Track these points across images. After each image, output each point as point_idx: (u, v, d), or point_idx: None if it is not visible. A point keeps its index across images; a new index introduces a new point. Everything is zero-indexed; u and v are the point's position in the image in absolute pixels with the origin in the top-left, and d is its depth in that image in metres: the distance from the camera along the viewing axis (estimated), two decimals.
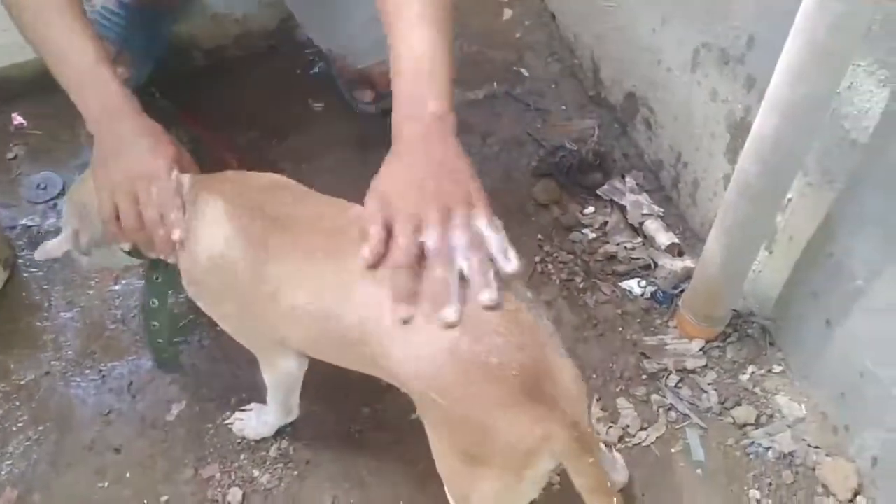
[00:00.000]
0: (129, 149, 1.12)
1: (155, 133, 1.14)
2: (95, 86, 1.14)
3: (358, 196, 1.00)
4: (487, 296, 0.91)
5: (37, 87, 1.78)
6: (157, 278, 1.21)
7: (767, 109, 1.12)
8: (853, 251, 1.23)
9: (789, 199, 1.31)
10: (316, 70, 1.91)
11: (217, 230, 1.08)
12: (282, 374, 1.21)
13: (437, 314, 0.90)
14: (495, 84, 1.92)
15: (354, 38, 1.67)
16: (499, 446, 0.92)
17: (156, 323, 1.25)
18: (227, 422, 1.37)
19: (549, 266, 1.60)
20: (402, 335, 0.93)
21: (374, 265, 0.94)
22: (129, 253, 1.18)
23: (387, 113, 1.82)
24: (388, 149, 1.54)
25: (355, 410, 1.39)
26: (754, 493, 1.32)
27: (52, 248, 1.18)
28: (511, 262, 0.93)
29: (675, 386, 1.44)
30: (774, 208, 1.28)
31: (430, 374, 0.92)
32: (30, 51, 1.71)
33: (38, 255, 1.19)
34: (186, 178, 1.11)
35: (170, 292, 1.24)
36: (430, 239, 0.92)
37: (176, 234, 1.09)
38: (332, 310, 1.00)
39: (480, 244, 0.93)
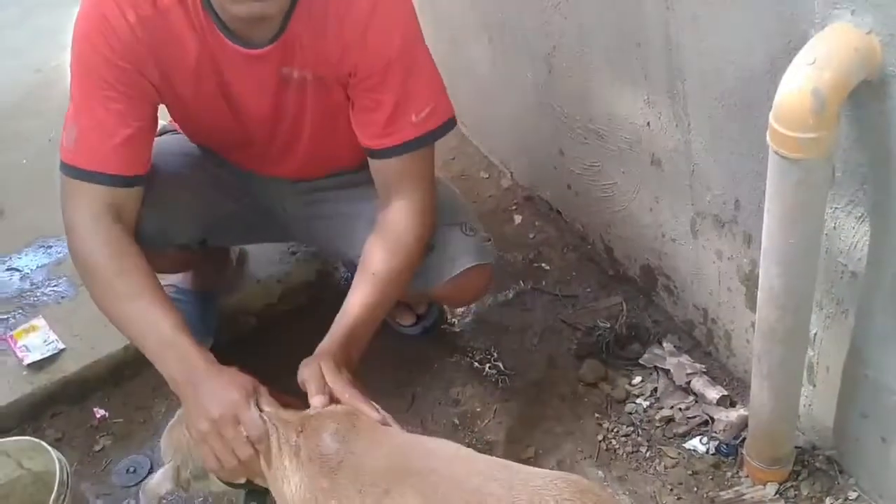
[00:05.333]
0: (206, 393, 1.24)
1: (233, 375, 1.27)
2: (174, 352, 1.29)
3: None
4: None
5: (110, 381, 1.95)
6: None
7: (767, 262, 1.25)
8: (885, 369, 1.31)
9: (815, 334, 1.40)
10: None
11: (294, 482, 1.17)
12: None
13: None
14: (521, 282, 2.07)
15: None
16: None
17: None
18: None
19: (613, 441, 1.68)
20: None
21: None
22: (229, 483, 1.28)
23: (427, 331, 1.97)
24: (433, 366, 1.73)
25: None
26: None
27: (156, 486, 1.27)
28: None
29: None
30: (803, 346, 1.37)
31: None
32: (96, 351, 1.92)
33: (144, 498, 1.29)
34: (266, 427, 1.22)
35: None
36: None
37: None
38: None
39: None
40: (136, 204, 1.45)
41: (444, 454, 1.16)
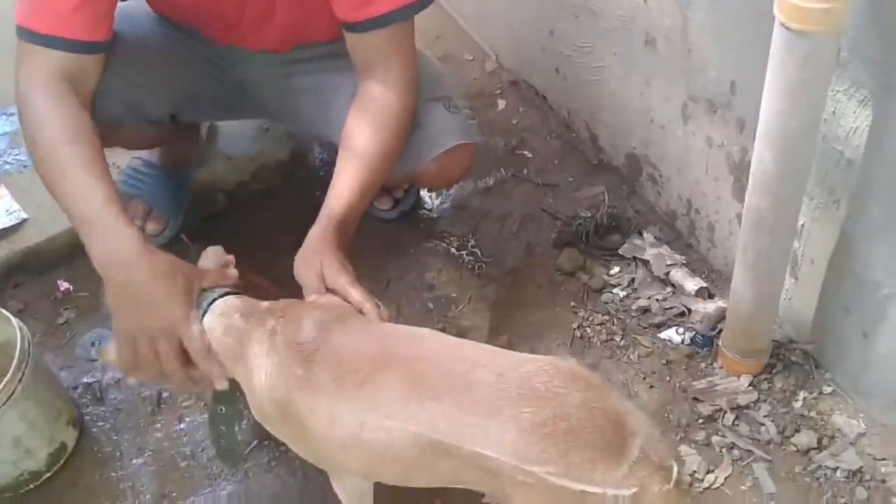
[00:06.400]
0: (146, 299, 1.16)
1: (168, 275, 1.17)
2: (101, 227, 1.18)
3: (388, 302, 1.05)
4: None
5: (74, 253, 1.87)
6: (221, 410, 1.27)
7: (762, 145, 1.20)
8: (874, 262, 1.28)
9: (802, 225, 1.37)
10: None
11: (265, 367, 1.12)
12: (352, 491, 1.24)
13: None
14: (502, 169, 2.02)
15: None
16: None
17: (223, 427, 1.30)
18: None
19: (588, 330, 1.66)
20: (470, 426, 0.97)
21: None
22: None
23: (405, 215, 1.92)
24: (409, 251, 1.69)
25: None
26: None
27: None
28: None
29: (733, 424, 1.47)
30: (790, 236, 1.33)
31: (519, 453, 0.94)
32: (61, 223, 1.84)
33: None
34: (238, 317, 1.16)
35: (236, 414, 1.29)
36: None
37: (223, 384, 1.17)
38: (379, 436, 1.03)
39: None
40: (95, 74, 1.36)
41: (429, 341, 1.11)
